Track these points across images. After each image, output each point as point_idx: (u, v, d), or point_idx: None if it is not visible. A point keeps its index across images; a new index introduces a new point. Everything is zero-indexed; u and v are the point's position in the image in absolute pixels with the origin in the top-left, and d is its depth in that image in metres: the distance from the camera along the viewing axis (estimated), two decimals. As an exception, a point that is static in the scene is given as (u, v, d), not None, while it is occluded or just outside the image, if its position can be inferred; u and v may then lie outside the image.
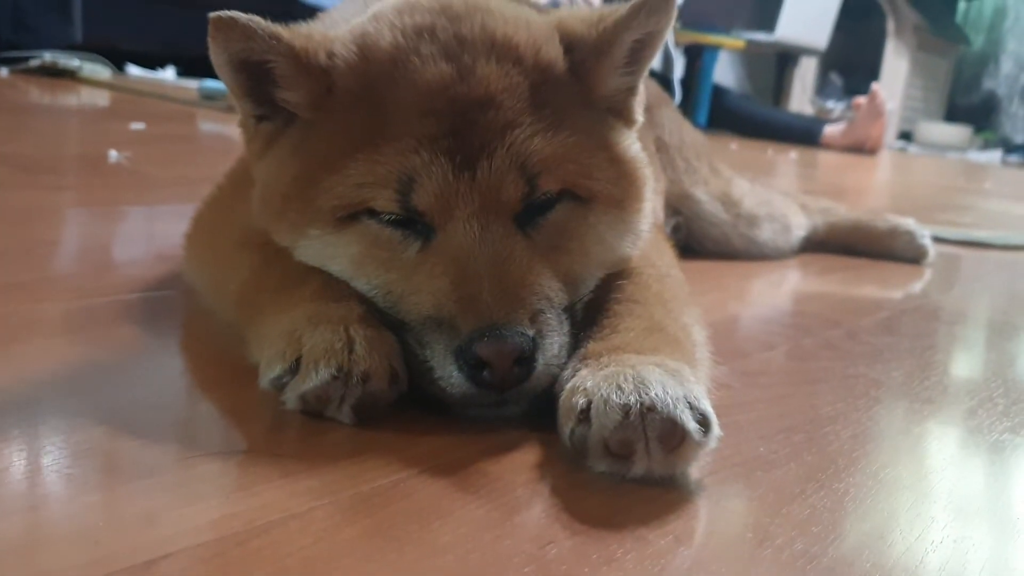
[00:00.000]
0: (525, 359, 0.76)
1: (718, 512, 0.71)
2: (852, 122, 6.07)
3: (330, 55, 0.85)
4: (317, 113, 0.86)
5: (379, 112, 0.83)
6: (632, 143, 0.92)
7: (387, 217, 0.82)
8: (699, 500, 0.71)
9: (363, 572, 0.57)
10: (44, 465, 0.67)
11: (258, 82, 0.87)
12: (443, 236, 0.81)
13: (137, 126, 2.65)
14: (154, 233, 1.51)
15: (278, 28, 0.84)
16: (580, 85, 0.88)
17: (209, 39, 0.83)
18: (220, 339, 0.94)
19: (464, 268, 0.79)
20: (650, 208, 0.92)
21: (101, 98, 3.53)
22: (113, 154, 2.05)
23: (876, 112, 5.91)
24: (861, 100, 6.04)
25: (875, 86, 6.14)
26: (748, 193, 1.77)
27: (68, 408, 0.77)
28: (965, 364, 1.26)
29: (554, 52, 0.87)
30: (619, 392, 0.70)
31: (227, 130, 3.26)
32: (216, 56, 0.85)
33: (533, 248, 0.82)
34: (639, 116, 0.94)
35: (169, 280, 1.16)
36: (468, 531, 0.63)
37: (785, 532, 0.68)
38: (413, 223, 0.82)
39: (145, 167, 2.05)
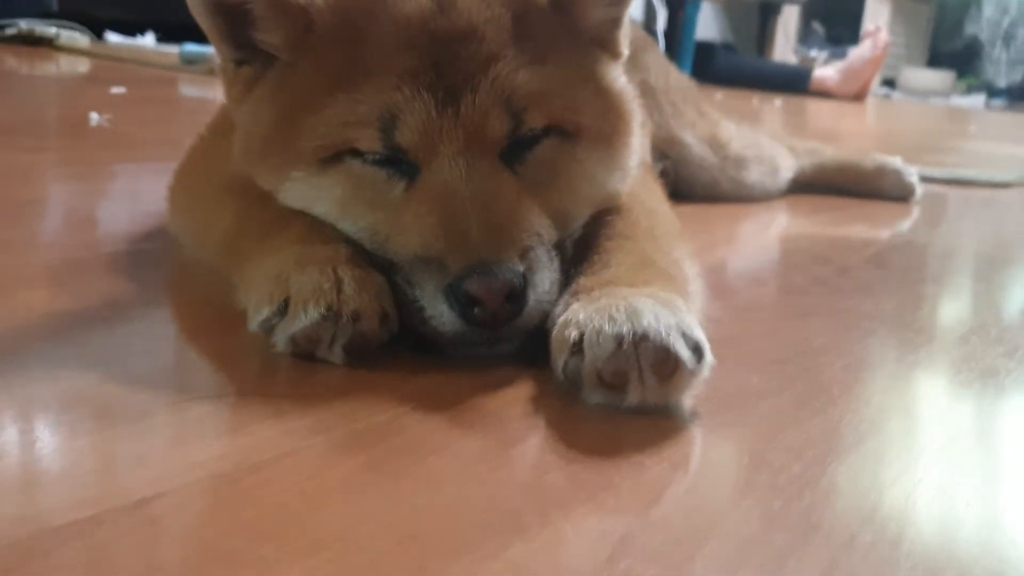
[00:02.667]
0: (516, 295, 0.75)
1: (713, 439, 0.71)
2: (850, 67, 5.99)
3: (308, -8, 0.83)
4: (296, 54, 0.85)
5: (358, 49, 0.81)
6: (619, 76, 0.91)
7: (371, 157, 0.81)
8: (694, 428, 0.71)
9: (358, 506, 0.57)
10: (33, 413, 0.67)
11: (236, 25, 0.85)
12: (428, 174, 0.80)
13: (118, 90, 2.61)
14: (138, 190, 1.49)
15: (253, -33, 0.82)
16: (564, 17, 0.87)
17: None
18: (206, 287, 0.93)
19: (451, 206, 0.78)
20: (638, 143, 0.91)
21: (80, 65, 3.48)
22: (94, 116, 2.02)
23: (878, 56, 5.85)
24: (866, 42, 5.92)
25: (879, 28, 6.06)
26: (736, 135, 1.76)
27: (55, 358, 0.76)
28: (955, 295, 1.26)
29: None
30: (611, 322, 0.69)
31: (209, 93, 3.22)
32: (193, 1, 0.83)
33: (520, 184, 0.81)
34: (625, 49, 0.93)
35: (154, 234, 1.15)
36: (464, 464, 0.63)
37: (781, 457, 0.67)
38: (397, 162, 0.81)
39: (127, 128, 2.02)
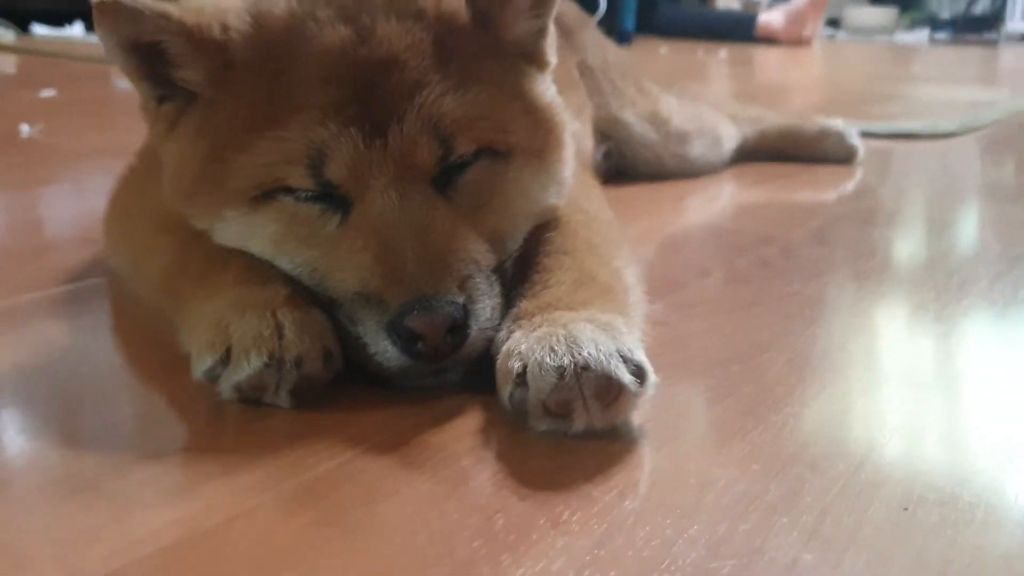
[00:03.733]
0: (457, 327, 0.75)
1: (660, 459, 0.72)
2: (794, 10, 6.00)
3: (224, 28, 0.81)
4: (218, 90, 0.83)
5: (280, 84, 0.80)
6: (547, 88, 0.90)
7: (302, 194, 0.80)
8: (641, 448, 0.72)
9: (312, 566, 0.57)
10: (-23, 488, 0.66)
11: (153, 63, 0.84)
12: (361, 208, 0.79)
13: (47, 93, 2.55)
14: (76, 213, 1.47)
15: (166, 6, 0.80)
16: (487, 33, 0.86)
17: (95, 25, 0.79)
18: (151, 326, 0.92)
19: (385, 240, 0.77)
20: (571, 154, 0.91)
21: (7, 64, 3.39)
22: (24, 128, 1.98)
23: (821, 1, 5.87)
24: None
25: None
26: (676, 110, 1.76)
27: (1, 420, 0.75)
28: (900, 267, 1.28)
29: (456, 2, 0.84)
30: (552, 354, 0.70)
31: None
32: (105, 41, 0.81)
33: (455, 211, 0.81)
34: (552, 58, 0.92)
35: (95, 266, 1.13)
36: (414, 509, 0.64)
37: (726, 473, 0.69)
38: (330, 197, 0.80)
39: (59, 139, 1.98)
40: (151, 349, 0.90)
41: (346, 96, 0.78)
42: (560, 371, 0.69)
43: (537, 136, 0.87)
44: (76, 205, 1.52)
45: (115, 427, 0.77)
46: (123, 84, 3.17)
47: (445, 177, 0.81)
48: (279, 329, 0.75)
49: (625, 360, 0.71)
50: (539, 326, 0.75)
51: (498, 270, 0.82)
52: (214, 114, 0.83)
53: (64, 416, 0.77)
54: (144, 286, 0.94)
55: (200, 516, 0.62)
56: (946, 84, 4.10)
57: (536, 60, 0.90)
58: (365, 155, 0.78)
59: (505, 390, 0.73)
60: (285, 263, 0.83)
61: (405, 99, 0.79)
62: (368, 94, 0.78)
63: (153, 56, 0.83)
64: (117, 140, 1.95)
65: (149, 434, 0.76)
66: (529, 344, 0.72)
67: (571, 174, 0.91)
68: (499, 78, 0.85)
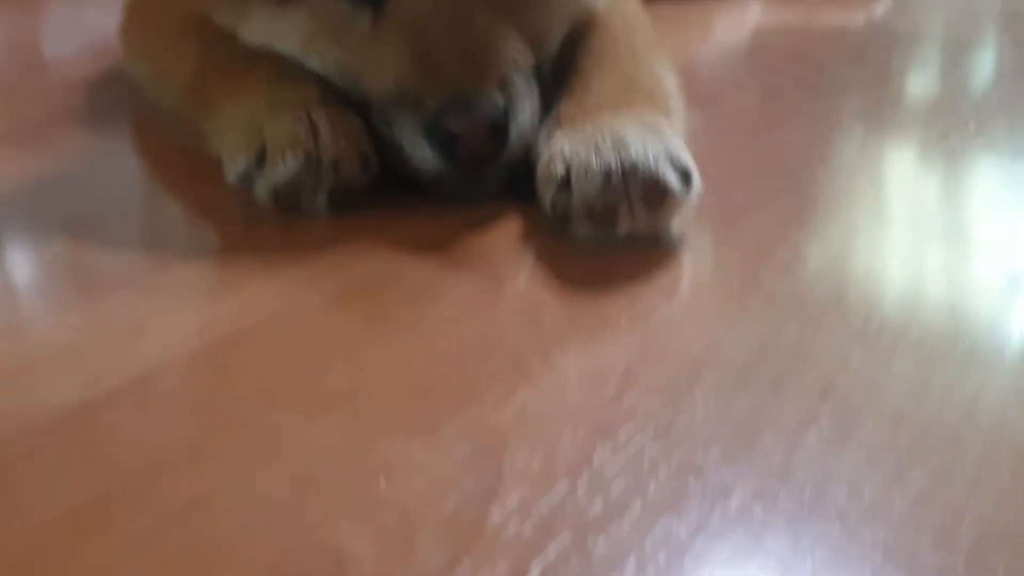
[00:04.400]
0: (498, 129, 0.73)
1: (704, 263, 0.71)
2: None
3: None
4: None
5: None
6: None
7: (333, -13, 0.76)
8: (683, 253, 0.71)
9: (364, 359, 0.57)
10: (17, 285, 0.66)
11: None
12: (395, 3, 0.76)
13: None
14: (81, 24, 1.41)
15: None
16: None
17: None
18: (174, 135, 0.90)
19: (423, 35, 0.74)
20: (612, -49, 0.87)
21: None
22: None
23: None
24: None
25: None
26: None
27: (33, 224, 0.74)
28: (932, 88, 1.24)
29: None
30: (599, 155, 0.68)
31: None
32: None
33: (492, 7, 0.77)
34: None
35: (109, 77, 1.10)
36: (462, 306, 0.63)
37: (771, 276, 0.68)
38: (363, -10, 0.76)
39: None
40: (177, 157, 0.88)
41: None
42: (607, 173, 0.68)
43: (578, -70, 0.82)
44: (80, 15, 1.47)
45: (149, 230, 0.77)
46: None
47: (482, -27, 0.77)
48: (314, 129, 0.73)
49: (672, 163, 0.69)
50: (583, 127, 0.72)
51: (537, 72, 0.79)
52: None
53: (97, 220, 0.76)
54: (168, 92, 0.91)
55: (244, 312, 0.62)
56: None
57: None
58: (400, -56, 0.74)
59: (547, 195, 0.72)
60: (315, 62, 0.79)
61: None
62: None
63: None
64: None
65: (185, 236, 0.76)
66: (574, 146, 0.70)
67: (612, -27, 0.87)
68: None
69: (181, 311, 0.62)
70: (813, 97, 1.12)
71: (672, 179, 0.68)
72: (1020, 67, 1.38)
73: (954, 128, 1.03)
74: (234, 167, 0.74)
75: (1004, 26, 1.68)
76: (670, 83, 0.86)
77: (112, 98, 1.04)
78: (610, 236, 0.71)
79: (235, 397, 0.53)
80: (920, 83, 1.23)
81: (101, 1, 1.42)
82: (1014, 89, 1.17)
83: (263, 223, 0.75)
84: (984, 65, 1.40)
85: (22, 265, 0.68)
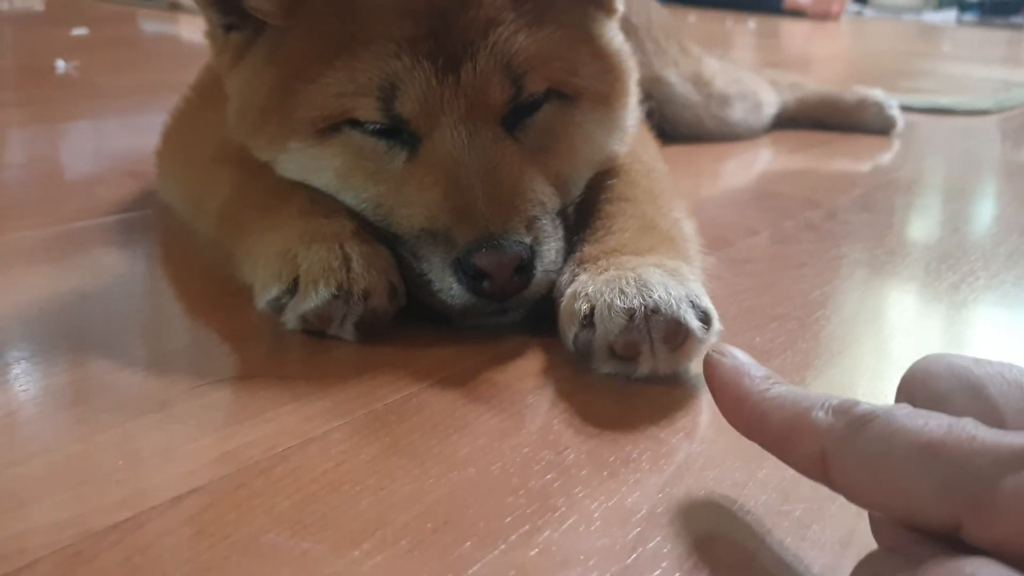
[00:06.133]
0: (524, 267, 0.75)
1: (724, 405, 0.72)
2: None
3: (297, -43, 0.81)
4: (288, 19, 0.83)
5: (354, 15, 0.80)
6: (615, 35, 0.90)
7: (371, 127, 0.80)
8: (703, 395, 0.73)
9: (389, 492, 0.58)
10: (51, 404, 0.67)
11: (222, -9, 0.83)
12: (430, 144, 0.79)
13: (79, 31, 2.54)
14: (117, 148, 1.47)
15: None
16: (558, -24, 0.85)
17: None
18: (203, 259, 0.92)
19: (455, 177, 0.77)
20: (636, 102, 0.91)
21: (33, 2, 3.36)
22: (61, 64, 1.97)
23: None
24: None
25: None
26: (719, 72, 1.75)
27: (61, 345, 0.75)
28: (942, 238, 1.28)
29: None
30: (622, 296, 0.70)
31: (170, 30, 3.14)
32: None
33: (522, 152, 0.81)
34: (620, 5, 0.92)
35: (142, 199, 1.13)
36: (486, 442, 0.64)
37: (790, 421, 0.69)
38: (398, 132, 0.80)
39: (95, 76, 1.97)
40: (203, 281, 0.90)
41: (421, 30, 0.78)
42: (630, 313, 0.70)
43: (605, 81, 0.86)
44: (117, 140, 1.52)
45: (180, 353, 0.78)
46: (150, 26, 3.16)
47: (514, 117, 0.81)
48: (347, 261, 0.75)
49: (694, 306, 0.71)
50: (606, 269, 0.75)
51: (562, 214, 0.82)
52: (283, 44, 0.83)
53: (128, 341, 0.78)
54: (201, 218, 0.94)
55: (273, 439, 0.63)
56: (976, 63, 4.06)
57: (605, 5, 0.90)
58: (437, 90, 0.78)
59: (570, 332, 0.74)
60: (349, 198, 0.83)
61: (479, 36, 0.78)
62: (443, 29, 0.78)
63: (222, -17, 0.82)
64: (151, 78, 1.96)
65: (212, 361, 0.77)
66: (597, 286, 0.73)
67: (634, 123, 0.91)
68: (570, 20, 0.85)
69: (212, 436, 0.63)
70: (825, 243, 1.15)
71: (694, 322, 0.70)
72: (1024, 220, 1.42)
73: (964, 279, 1.05)
74: (266, 294, 0.77)
75: (1005, 177, 1.74)
76: (688, 227, 0.89)
77: (143, 219, 1.08)
78: (631, 374, 0.72)
79: (265, 524, 0.53)
80: (927, 232, 1.27)
81: (133, 128, 1.48)
82: (1021, 242, 1.20)
83: (289, 351, 0.77)
84: (986, 215, 1.44)
85: (55, 383, 0.69)
